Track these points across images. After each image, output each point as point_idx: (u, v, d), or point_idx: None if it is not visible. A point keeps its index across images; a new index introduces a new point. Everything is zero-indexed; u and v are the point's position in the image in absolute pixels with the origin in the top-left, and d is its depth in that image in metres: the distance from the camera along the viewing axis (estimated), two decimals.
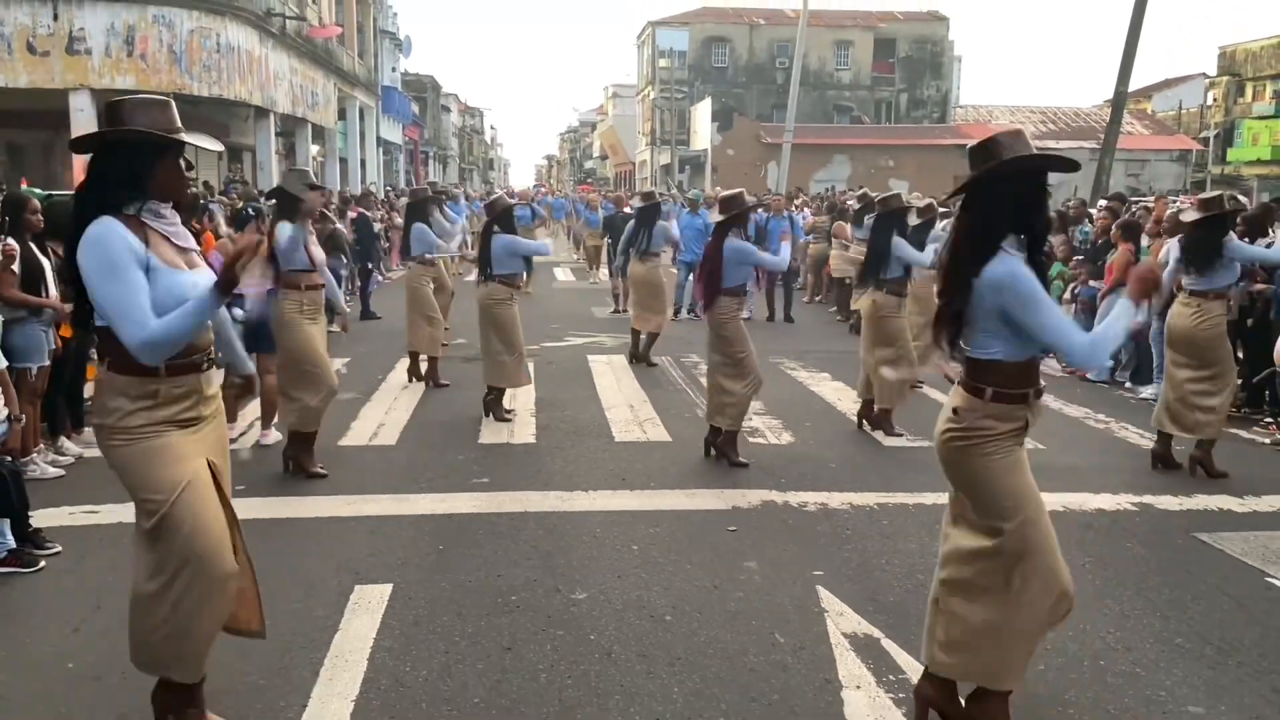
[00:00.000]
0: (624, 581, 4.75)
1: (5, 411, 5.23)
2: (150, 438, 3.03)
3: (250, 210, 7.89)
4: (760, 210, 14.84)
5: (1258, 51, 47.20)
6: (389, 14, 42.72)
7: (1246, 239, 7.63)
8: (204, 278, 3.13)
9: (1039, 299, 3.09)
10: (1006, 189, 3.15)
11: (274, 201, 6.77)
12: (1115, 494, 6.18)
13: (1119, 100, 18.07)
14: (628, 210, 18.37)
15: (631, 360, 10.77)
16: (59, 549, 4.97)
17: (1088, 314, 10.25)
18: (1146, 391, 9.37)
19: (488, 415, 8.03)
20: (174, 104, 3.14)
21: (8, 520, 4.75)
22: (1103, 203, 13.44)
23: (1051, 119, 48.53)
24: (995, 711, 3.29)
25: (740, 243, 6.80)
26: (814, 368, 10.59)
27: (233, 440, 7.03)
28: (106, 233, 2.96)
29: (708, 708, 3.60)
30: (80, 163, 16.16)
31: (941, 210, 9.97)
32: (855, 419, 8.01)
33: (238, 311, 5.47)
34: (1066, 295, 11.07)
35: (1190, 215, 6.83)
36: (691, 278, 13.56)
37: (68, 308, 6.09)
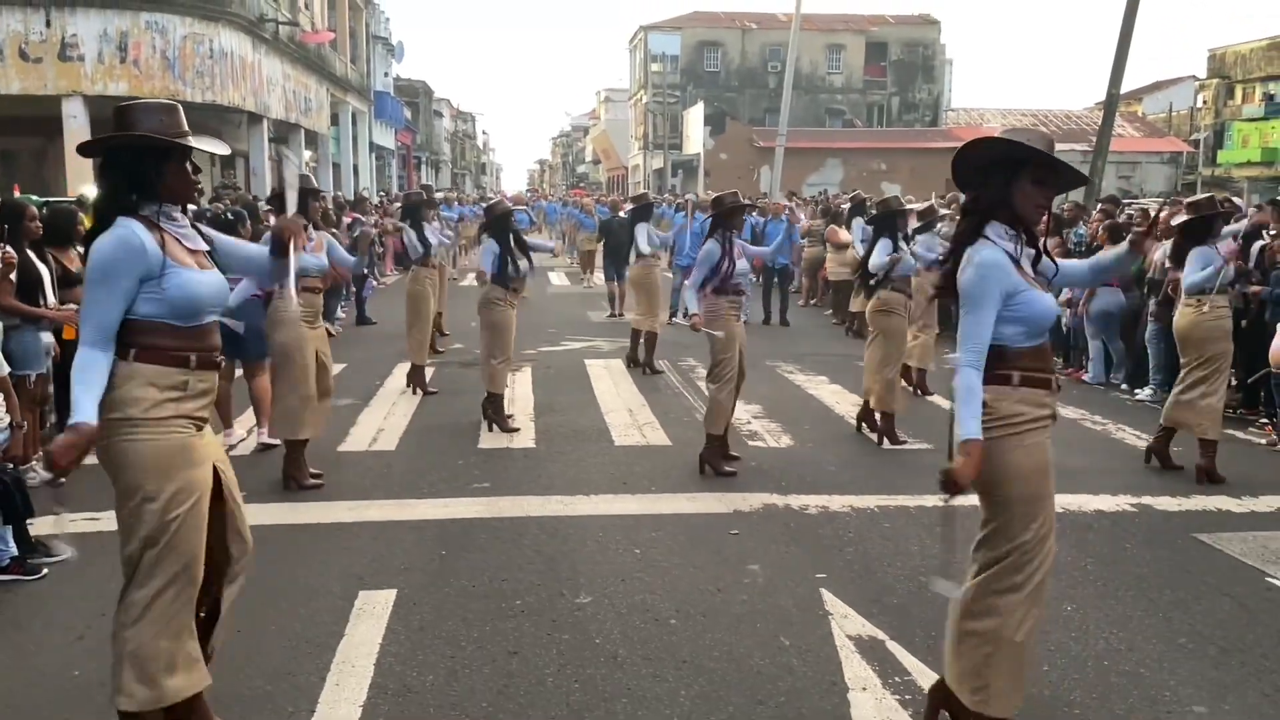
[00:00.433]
0: (628, 585, 4.75)
1: (7, 419, 5.22)
2: (175, 434, 3.02)
3: (229, 216, 7.91)
4: (755, 214, 14.90)
5: (1247, 54, 47.50)
6: (381, 19, 42.69)
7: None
8: (215, 278, 3.18)
9: (968, 296, 3.09)
10: (992, 176, 3.15)
11: (270, 206, 6.77)
12: (1114, 495, 6.21)
13: (1111, 103, 18.09)
14: (622, 214, 18.42)
15: (629, 365, 10.77)
16: (68, 555, 4.96)
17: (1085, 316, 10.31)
18: (1142, 393, 9.42)
19: (491, 428, 7.87)
20: (181, 109, 3.16)
21: (10, 528, 4.75)
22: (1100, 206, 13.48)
23: (1043, 121, 48.68)
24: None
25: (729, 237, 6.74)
26: (811, 371, 10.62)
27: (230, 447, 7.07)
28: (124, 236, 2.98)
29: (715, 710, 3.61)
30: (75, 169, 16.05)
31: (944, 213, 10.00)
32: (854, 422, 8.01)
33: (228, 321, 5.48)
34: (1064, 296, 11.09)
35: (1180, 217, 6.90)
36: (685, 281, 13.53)
37: (71, 308, 6.11)
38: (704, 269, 6.65)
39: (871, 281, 7.64)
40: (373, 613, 4.40)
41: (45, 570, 4.81)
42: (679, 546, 5.32)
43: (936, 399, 9.15)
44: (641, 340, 10.75)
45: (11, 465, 5.10)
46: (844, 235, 13.92)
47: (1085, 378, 10.27)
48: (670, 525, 5.67)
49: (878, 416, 7.66)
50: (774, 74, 47.76)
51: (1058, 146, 3.29)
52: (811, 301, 16.89)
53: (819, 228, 16.03)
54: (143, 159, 3.06)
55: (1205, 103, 49.68)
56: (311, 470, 6.42)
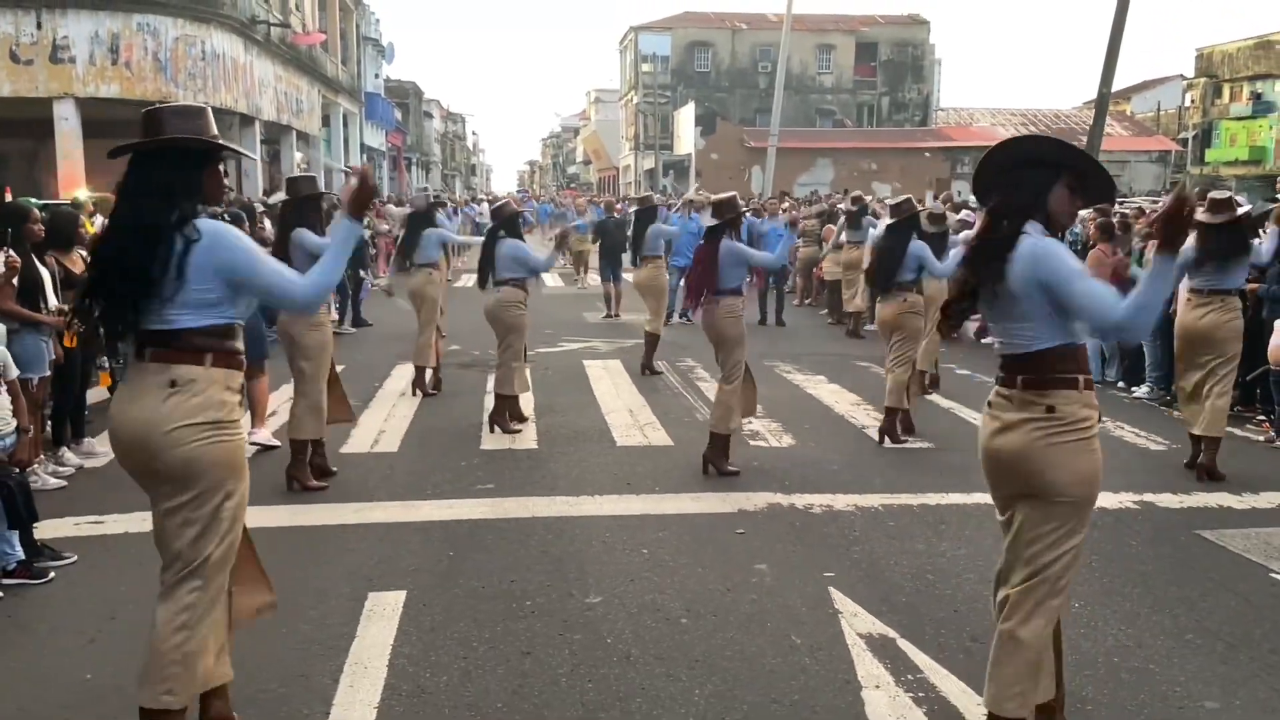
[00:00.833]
0: (637, 585, 4.76)
1: (14, 423, 5.20)
2: (241, 434, 3.19)
3: (227, 217, 7.88)
4: (751, 215, 14.90)
5: (1234, 53, 47.80)
6: (372, 20, 42.68)
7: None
8: None
9: (1075, 267, 3.02)
10: (1031, 174, 3.16)
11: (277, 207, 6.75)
12: (1116, 493, 6.23)
13: (1102, 102, 18.21)
14: (617, 215, 18.42)
15: (645, 373, 10.42)
16: (74, 559, 4.95)
17: None
18: (1139, 391, 9.47)
19: (493, 430, 7.80)
20: (210, 112, 3.23)
21: (17, 532, 4.73)
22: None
23: (1032, 121, 48.90)
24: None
25: (734, 243, 6.79)
26: (809, 370, 10.64)
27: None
28: (230, 227, 3.14)
29: (730, 709, 3.62)
30: (67, 171, 15.92)
31: (958, 219, 9.94)
32: (877, 435, 7.69)
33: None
34: None
35: (1209, 217, 6.61)
36: (683, 282, 13.53)
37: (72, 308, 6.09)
38: (744, 266, 6.97)
39: (897, 282, 7.46)
40: (383, 614, 4.40)
41: (52, 574, 4.79)
42: (685, 546, 5.33)
43: (937, 398, 9.19)
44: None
45: (17, 470, 5.08)
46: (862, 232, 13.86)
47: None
48: (675, 525, 5.68)
49: (884, 412, 7.63)
50: (764, 74, 47.84)
51: None
52: (806, 301, 16.92)
53: (813, 227, 16.05)
54: (183, 162, 3.10)
55: (1193, 102, 49.99)
56: (323, 469, 6.50)
